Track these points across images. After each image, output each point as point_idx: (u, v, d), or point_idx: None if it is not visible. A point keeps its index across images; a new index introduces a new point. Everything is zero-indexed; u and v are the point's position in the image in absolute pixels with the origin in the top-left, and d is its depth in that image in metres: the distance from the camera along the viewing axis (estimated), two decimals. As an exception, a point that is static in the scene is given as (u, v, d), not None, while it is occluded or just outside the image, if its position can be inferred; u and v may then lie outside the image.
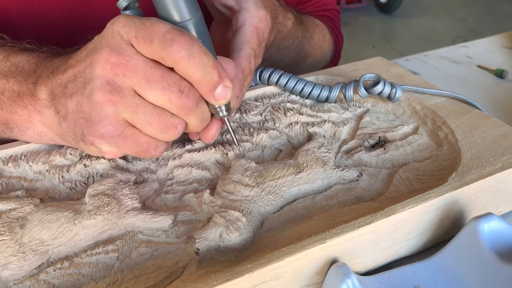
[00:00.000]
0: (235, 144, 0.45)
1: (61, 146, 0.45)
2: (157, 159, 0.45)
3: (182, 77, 0.36)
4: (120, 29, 0.35)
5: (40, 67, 0.41)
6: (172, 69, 0.36)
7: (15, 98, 0.41)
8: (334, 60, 0.77)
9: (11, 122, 0.42)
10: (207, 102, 0.39)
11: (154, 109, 0.36)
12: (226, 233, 0.36)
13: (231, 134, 0.44)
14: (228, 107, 0.40)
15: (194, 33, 0.37)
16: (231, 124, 0.46)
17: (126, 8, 0.38)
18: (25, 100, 0.40)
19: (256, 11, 0.45)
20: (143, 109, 0.36)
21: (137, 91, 0.35)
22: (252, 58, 0.43)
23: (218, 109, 0.40)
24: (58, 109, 0.38)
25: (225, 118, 0.41)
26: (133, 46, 0.35)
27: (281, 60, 0.58)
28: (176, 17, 0.37)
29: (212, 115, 0.41)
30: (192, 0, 0.37)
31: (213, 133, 0.41)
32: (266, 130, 0.49)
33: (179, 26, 0.36)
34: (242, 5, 0.45)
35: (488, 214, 0.37)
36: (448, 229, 0.41)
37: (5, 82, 0.41)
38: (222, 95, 0.37)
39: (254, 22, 0.44)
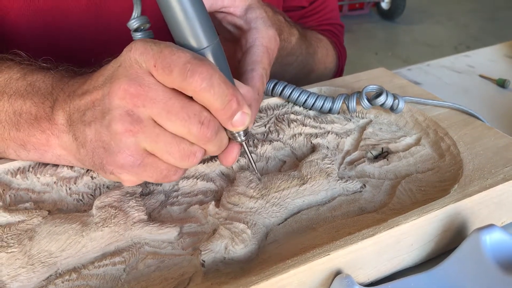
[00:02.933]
0: (254, 169, 0.44)
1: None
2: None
3: (202, 107, 0.35)
4: (138, 57, 0.34)
5: (55, 89, 0.41)
6: (191, 97, 0.35)
7: (33, 122, 0.41)
8: (337, 75, 0.77)
9: (29, 144, 0.42)
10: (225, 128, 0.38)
11: (174, 138, 0.36)
12: (232, 245, 0.37)
13: (249, 159, 0.43)
14: (246, 132, 0.40)
15: (212, 60, 0.37)
16: (249, 148, 0.44)
17: (136, 30, 0.38)
18: (42, 124, 0.40)
19: (265, 30, 0.45)
20: (163, 139, 0.35)
21: (157, 121, 0.35)
22: (264, 77, 0.43)
23: (236, 134, 0.39)
24: (76, 135, 0.38)
25: (243, 143, 0.41)
26: (152, 75, 0.35)
27: (283, 75, 0.58)
28: (194, 44, 0.36)
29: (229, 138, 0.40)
30: (210, 27, 0.37)
31: (233, 156, 0.40)
32: (270, 141, 0.50)
33: (198, 53, 0.36)
34: (251, 24, 0.45)
35: (490, 225, 0.37)
36: (451, 240, 0.42)
37: (22, 103, 0.41)
38: (240, 121, 0.36)
39: (264, 42, 0.44)
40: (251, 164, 0.43)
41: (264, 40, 0.45)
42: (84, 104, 0.37)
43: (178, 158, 0.36)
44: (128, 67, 0.35)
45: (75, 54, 0.53)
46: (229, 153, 0.40)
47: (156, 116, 0.35)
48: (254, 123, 0.52)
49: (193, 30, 0.36)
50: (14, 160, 0.45)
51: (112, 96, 0.35)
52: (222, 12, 0.46)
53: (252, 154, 0.47)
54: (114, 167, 0.37)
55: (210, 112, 0.36)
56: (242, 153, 0.48)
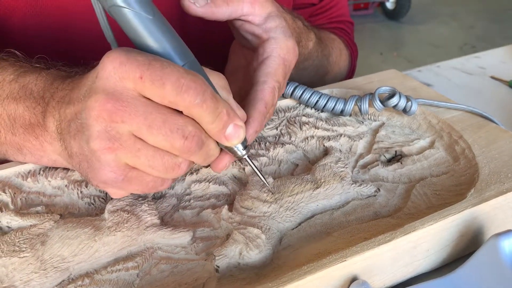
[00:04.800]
0: (264, 182, 0.42)
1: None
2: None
3: (185, 120, 0.34)
4: (117, 67, 0.33)
5: (46, 93, 0.40)
6: (172, 109, 0.34)
7: (27, 127, 0.40)
8: (349, 74, 0.77)
9: (24, 149, 0.41)
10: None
11: (156, 151, 0.34)
12: (246, 250, 0.36)
13: (256, 173, 0.41)
14: (245, 145, 0.38)
15: None
16: (253, 161, 0.42)
17: None
18: (36, 130, 0.40)
19: (285, 41, 0.43)
20: (145, 153, 0.34)
21: (137, 135, 0.34)
22: (276, 91, 0.42)
23: (235, 149, 0.38)
24: (65, 145, 0.38)
25: (246, 157, 0.39)
26: (132, 88, 0.33)
27: (298, 80, 0.57)
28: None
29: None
30: (182, 45, 0.36)
31: (223, 164, 0.39)
32: (282, 144, 0.49)
33: None
34: (270, 34, 0.44)
35: (509, 231, 0.37)
36: (467, 245, 0.41)
37: (15, 107, 0.41)
38: (233, 135, 0.35)
39: (282, 54, 0.43)
40: (260, 178, 0.42)
41: (282, 51, 0.43)
42: (70, 114, 0.36)
43: (162, 171, 0.35)
44: (105, 78, 0.33)
45: (84, 54, 0.53)
46: (219, 161, 0.39)
47: (137, 131, 0.34)
48: (264, 126, 0.52)
49: (164, 52, 0.35)
50: (24, 162, 0.45)
51: (89, 112, 0.34)
52: (240, 20, 0.45)
53: (257, 165, 0.46)
54: (97, 182, 0.36)
55: (194, 125, 0.34)
56: (255, 157, 0.47)
